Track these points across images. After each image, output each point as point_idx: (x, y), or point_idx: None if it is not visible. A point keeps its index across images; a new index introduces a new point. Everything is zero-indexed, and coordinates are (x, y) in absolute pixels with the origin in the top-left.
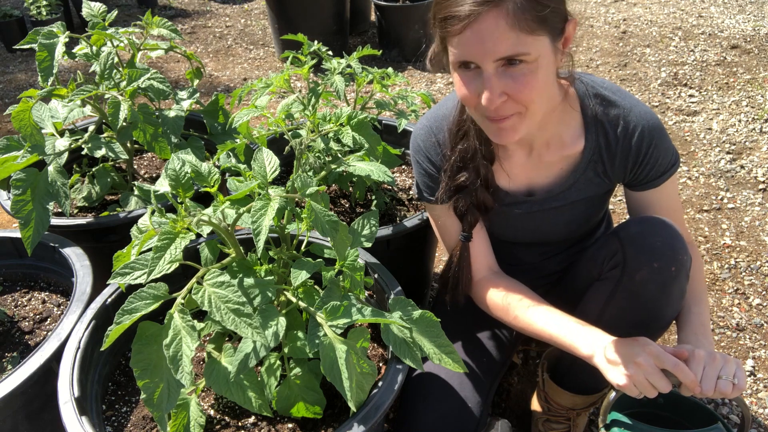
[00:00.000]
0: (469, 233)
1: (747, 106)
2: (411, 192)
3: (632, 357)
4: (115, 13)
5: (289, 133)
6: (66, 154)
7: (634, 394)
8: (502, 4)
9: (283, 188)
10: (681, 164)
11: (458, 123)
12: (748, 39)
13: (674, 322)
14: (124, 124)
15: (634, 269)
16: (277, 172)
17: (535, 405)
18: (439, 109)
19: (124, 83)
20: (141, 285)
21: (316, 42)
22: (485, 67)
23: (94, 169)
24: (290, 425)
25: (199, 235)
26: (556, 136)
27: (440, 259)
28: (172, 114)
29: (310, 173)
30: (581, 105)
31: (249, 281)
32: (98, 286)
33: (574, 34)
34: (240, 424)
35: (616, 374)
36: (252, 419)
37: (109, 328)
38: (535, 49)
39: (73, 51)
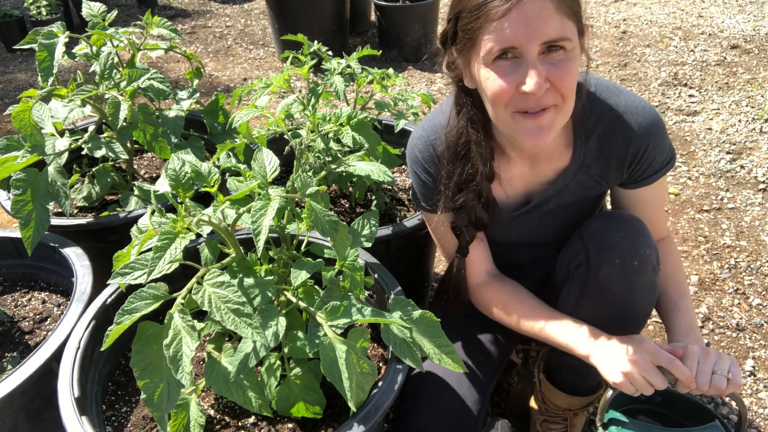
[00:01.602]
0: (466, 249)
1: (747, 106)
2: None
3: (628, 355)
4: (115, 13)
5: (289, 133)
6: (66, 154)
7: (630, 392)
8: None
9: (283, 188)
10: (681, 164)
11: (457, 136)
12: (748, 39)
13: (661, 321)
14: (124, 124)
15: (596, 266)
16: (277, 172)
17: (533, 405)
18: (435, 118)
19: (124, 83)
20: (141, 285)
21: (316, 42)
22: (529, 50)
23: (94, 169)
24: (290, 425)
25: (199, 235)
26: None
27: (440, 259)
28: (172, 114)
29: (310, 173)
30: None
31: (249, 281)
32: (98, 286)
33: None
34: (240, 424)
35: (612, 372)
36: (252, 419)
37: (109, 328)
38: (573, 36)
39: (73, 51)
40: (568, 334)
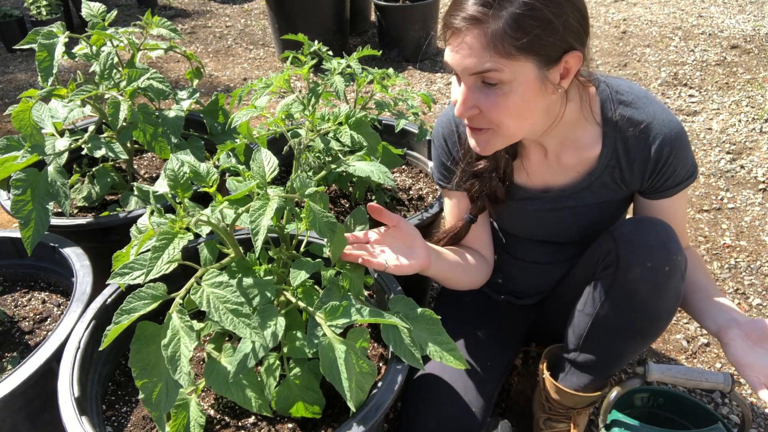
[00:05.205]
0: (476, 216)
1: (747, 106)
2: (411, 192)
3: None
4: (114, 13)
5: (289, 133)
6: (66, 154)
7: None
8: (482, 25)
9: (282, 188)
10: None
11: None
12: (748, 39)
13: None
14: (124, 124)
15: (626, 268)
16: (275, 172)
17: (536, 404)
18: None
19: (124, 83)
20: (140, 285)
21: (316, 42)
22: (462, 78)
23: (94, 169)
24: (290, 425)
25: (198, 235)
26: (571, 138)
27: None
28: (172, 114)
29: (310, 173)
30: (602, 108)
31: (248, 281)
32: (98, 286)
33: (579, 67)
34: (240, 424)
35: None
36: (252, 419)
37: (107, 328)
38: (510, 71)
39: (73, 51)
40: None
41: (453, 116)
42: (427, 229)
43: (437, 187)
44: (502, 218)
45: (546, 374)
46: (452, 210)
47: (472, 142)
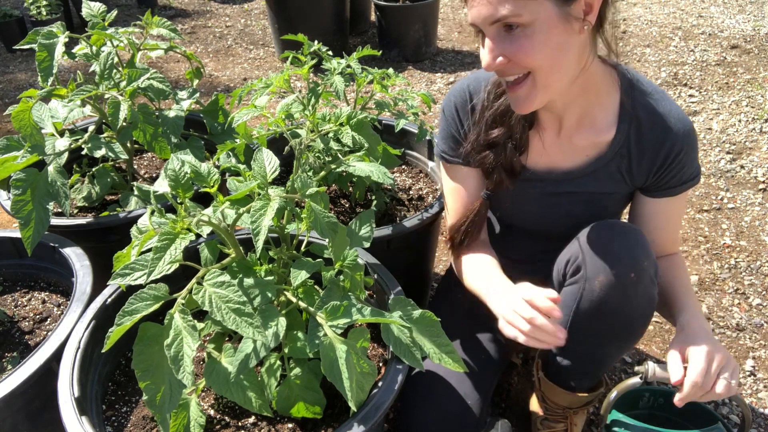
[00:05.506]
0: (493, 192)
1: (747, 106)
2: (411, 192)
3: (511, 305)
4: (114, 13)
5: (289, 133)
6: (66, 154)
7: (506, 333)
8: None
9: (283, 188)
10: None
11: (497, 82)
12: (748, 39)
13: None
14: (124, 124)
15: (592, 275)
16: (277, 173)
17: (534, 405)
18: (482, 71)
19: (124, 83)
20: (141, 285)
21: (316, 42)
22: (485, 30)
23: (94, 169)
24: (290, 425)
25: (198, 236)
26: (588, 116)
27: (440, 259)
28: (172, 114)
29: (310, 173)
30: (622, 93)
31: (249, 281)
32: (98, 286)
33: (601, 1)
34: (240, 424)
35: (503, 325)
36: (252, 419)
37: (110, 330)
38: (528, 11)
39: (73, 51)
40: (488, 294)
41: (468, 86)
42: (428, 228)
43: (441, 162)
44: (500, 203)
45: (540, 374)
46: (460, 186)
47: (511, 102)
